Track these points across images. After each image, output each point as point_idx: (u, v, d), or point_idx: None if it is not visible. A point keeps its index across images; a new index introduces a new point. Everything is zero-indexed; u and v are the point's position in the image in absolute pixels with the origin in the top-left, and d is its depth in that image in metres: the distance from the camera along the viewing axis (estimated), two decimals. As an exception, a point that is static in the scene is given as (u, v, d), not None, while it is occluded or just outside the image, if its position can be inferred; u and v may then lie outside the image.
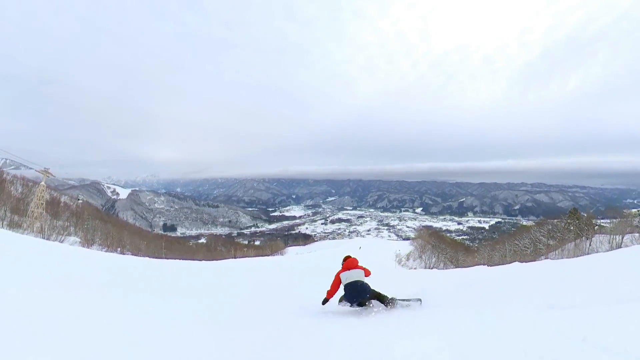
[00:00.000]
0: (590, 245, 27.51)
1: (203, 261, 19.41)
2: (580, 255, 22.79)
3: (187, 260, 19.44)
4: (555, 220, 38.66)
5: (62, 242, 24.65)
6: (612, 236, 27.35)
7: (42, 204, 32.83)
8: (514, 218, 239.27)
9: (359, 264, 6.16)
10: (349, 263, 6.08)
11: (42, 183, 34.89)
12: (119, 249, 31.59)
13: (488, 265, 13.56)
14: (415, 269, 32.90)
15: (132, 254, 30.21)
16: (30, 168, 39.59)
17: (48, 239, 23.91)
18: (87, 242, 28.58)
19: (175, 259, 22.52)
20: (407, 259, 40.56)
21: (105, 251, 25.64)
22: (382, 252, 46.04)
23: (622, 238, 25.69)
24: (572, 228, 31.70)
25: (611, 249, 25.58)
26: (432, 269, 35.12)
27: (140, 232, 70.66)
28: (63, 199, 70.15)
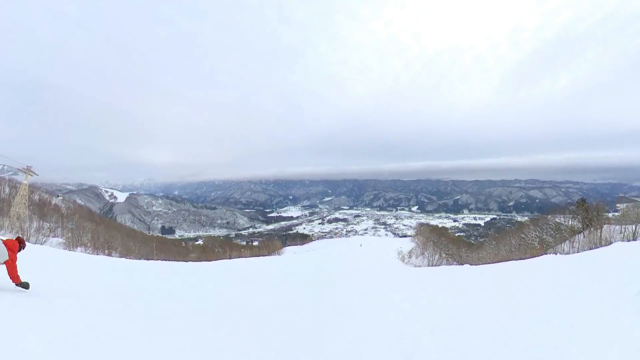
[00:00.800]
0: (601, 235, 26.44)
1: (190, 262, 17.96)
2: (594, 247, 21.62)
3: (169, 262, 18.04)
4: (549, 216, 37.77)
5: (43, 243, 23.04)
6: (623, 226, 26.33)
7: (24, 203, 31.06)
8: (508, 214, 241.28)
9: (16, 251, 5.49)
10: (7, 241, 5.57)
11: (25, 182, 33.09)
12: (106, 251, 29.96)
13: (560, 254, 12.12)
14: (419, 266, 31.68)
15: (121, 256, 28.65)
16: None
17: (27, 240, 22.25)
18: (72, 244, 26.94)
19: (164, 260, 21.10)
20: (410, 257, 39.28)
21: (90, 253, 24.06)
22: (383, 250, 44.76)
23: (637, 227, 24.57)
24: (580, 218, 30.64)
25: (625, 238, 24.53)
26: (437, 266, 33.94)
27: (134, 234, 68.79)
28: (54, 200, 68.19)
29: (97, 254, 24.54)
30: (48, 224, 37.43)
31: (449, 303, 6.61)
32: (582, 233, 29.45)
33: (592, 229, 28.97)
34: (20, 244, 5.65)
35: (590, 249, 20.50)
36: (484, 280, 8.67)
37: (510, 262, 12.35)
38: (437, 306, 6.39)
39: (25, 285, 5.39)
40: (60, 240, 27.74)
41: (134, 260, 17.37)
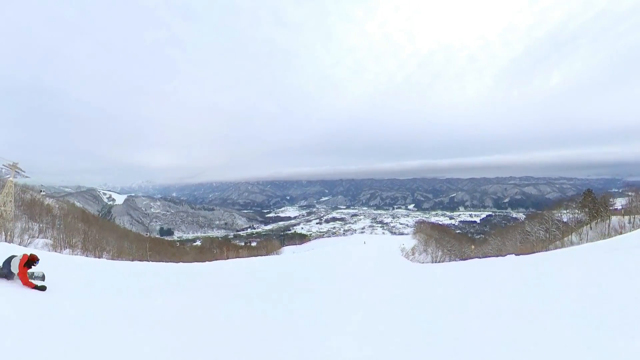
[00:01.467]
0: (609, 226, 25.76)
1: (181, 263, 16.95)
2: (603, 238, 20.77)
3: (159, 263, 16.93)
4: (548, 212, 37.10)
5: (27, 245, 21.79)
6: (632, 217, 25.70)
7: (10, 201, 29.65)
8: (504, 211, 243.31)
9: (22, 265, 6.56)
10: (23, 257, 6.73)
11: (10, 179, 31.58)
12: (97, 253, 28.71)
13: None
14: (423, 263, 30.80)
15: (112, 258, 27.45)
16: (27, 176, 36.80)
17: (11, 241, 21.03)
18: (59, 245, 25.67)
19: (158, 262, 20.03)
20: (413, 253, 38.38)
21: (77, 255, 22.86)
22: (386, 247, 43.79)
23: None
24: (586, 210, 29.94)
25: (634, 228, 23.80)
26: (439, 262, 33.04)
27: (128, 235, 67.25)
28: (48, 201, 66.38)
29: (87, 256, 23.34)
30: (38, 225, 36.02)
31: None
32: (589, 225, 28.76)
33: (599, 220, 28.30)
34: (29, 259, 6.63)
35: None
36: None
37: (568, 248, 10.87)
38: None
39: (42, 288, 6.41)
40: (47, 241, 26.47)
41: (123, 261, 16.26)
